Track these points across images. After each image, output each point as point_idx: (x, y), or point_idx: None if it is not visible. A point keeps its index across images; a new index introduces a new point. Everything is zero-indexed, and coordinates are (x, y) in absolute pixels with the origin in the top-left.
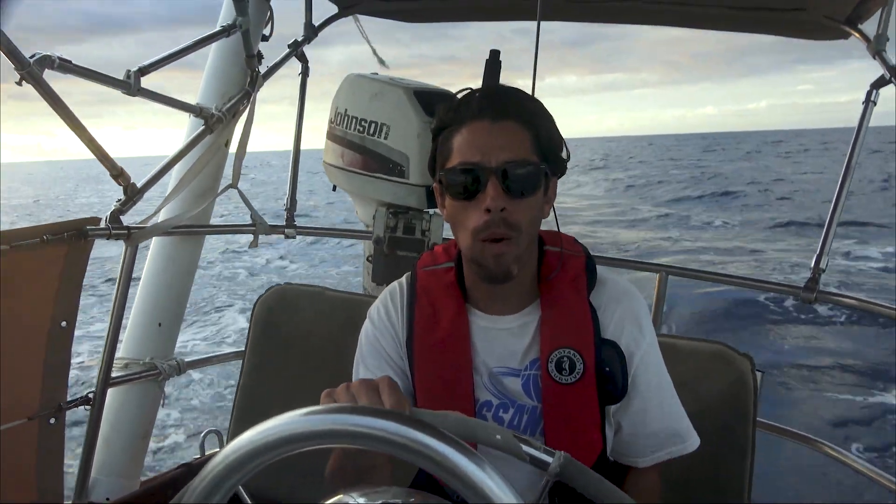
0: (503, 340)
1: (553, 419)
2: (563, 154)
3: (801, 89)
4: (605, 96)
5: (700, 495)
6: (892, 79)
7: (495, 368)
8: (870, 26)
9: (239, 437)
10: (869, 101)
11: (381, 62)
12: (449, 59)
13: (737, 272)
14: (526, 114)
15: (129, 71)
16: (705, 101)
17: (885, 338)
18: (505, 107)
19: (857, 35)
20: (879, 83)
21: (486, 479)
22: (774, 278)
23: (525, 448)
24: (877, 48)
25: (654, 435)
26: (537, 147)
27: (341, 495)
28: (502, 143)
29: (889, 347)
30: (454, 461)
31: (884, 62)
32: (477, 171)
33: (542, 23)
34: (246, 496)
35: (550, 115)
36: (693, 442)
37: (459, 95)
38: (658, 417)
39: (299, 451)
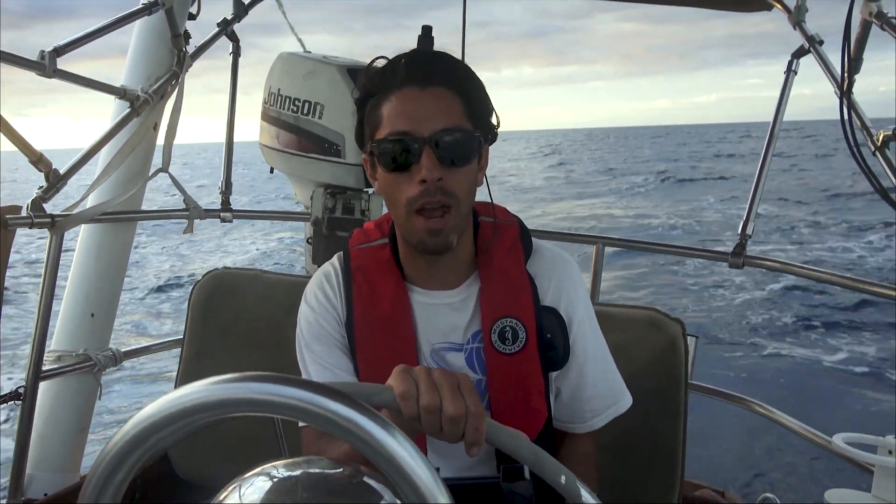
0: (444, 316)
1: (498, 391)
2: (493, 120)
3: (750, 83)
4: (562, 88)
5: (635, 457)
6: (811, 48)
7: (437, 345)
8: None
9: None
10: (790, 71)
11: (303, 46)
12: (403, 49)
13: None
14: (455, 79)
15: (42, 51)
16: (659, 94)
17: (806, 297)
18: (433, 72)
19: (779, 6)
20: (799, 53)
21: (397, 446)
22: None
23: (584, 499)
24: (797, 19)
25: (593, 399)
26: (469, 112)
27: (264, 466)
28: (433, 110)
29: (809, 304)
30: (366, 429)
31: (803, 32)
32: (409, 141)
33: (499, 14)
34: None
35: (480, 81)
36: (626, 401)
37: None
38: (597, 382)
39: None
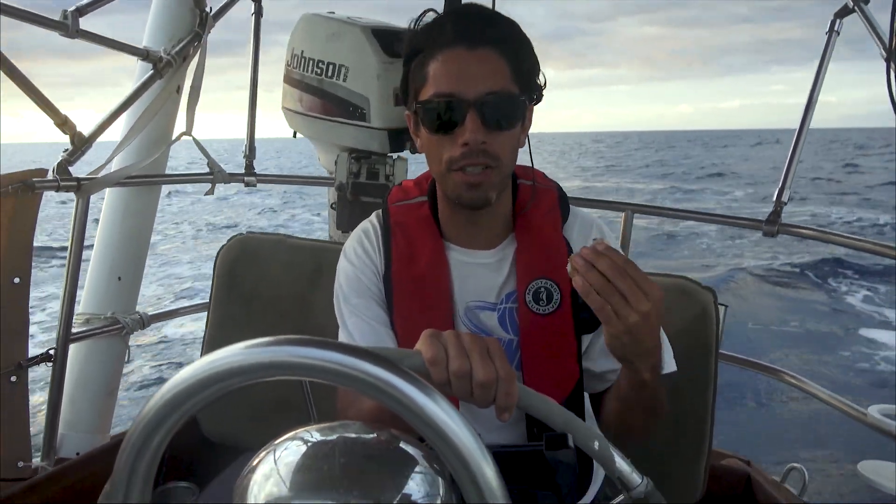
0: (480, 275)
1: (530, 351)
2: (540, 80)
3: (774, 89)
4: (584, 91)
5: (663, 425)
6: (855, 7)
7: (472, 303)
8: None
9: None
10: (833, 32)
11: None
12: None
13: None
14: (503, 40)
15: (65, 11)
16: (681, 99)
17: (840, 268)
18: (482, 32)
19: None
20: (843, 12)
21: (440, 412)
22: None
23: (617, 462)
24: None
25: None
26: (515, 75)
27: (298, 430)
28: (480, 72)
29: (844, 277)
30: (406, 393)
31: None
32: (454, 104)
33: (521, 14)
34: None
35: (527, 39)
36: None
37: (426, 18)
38: None
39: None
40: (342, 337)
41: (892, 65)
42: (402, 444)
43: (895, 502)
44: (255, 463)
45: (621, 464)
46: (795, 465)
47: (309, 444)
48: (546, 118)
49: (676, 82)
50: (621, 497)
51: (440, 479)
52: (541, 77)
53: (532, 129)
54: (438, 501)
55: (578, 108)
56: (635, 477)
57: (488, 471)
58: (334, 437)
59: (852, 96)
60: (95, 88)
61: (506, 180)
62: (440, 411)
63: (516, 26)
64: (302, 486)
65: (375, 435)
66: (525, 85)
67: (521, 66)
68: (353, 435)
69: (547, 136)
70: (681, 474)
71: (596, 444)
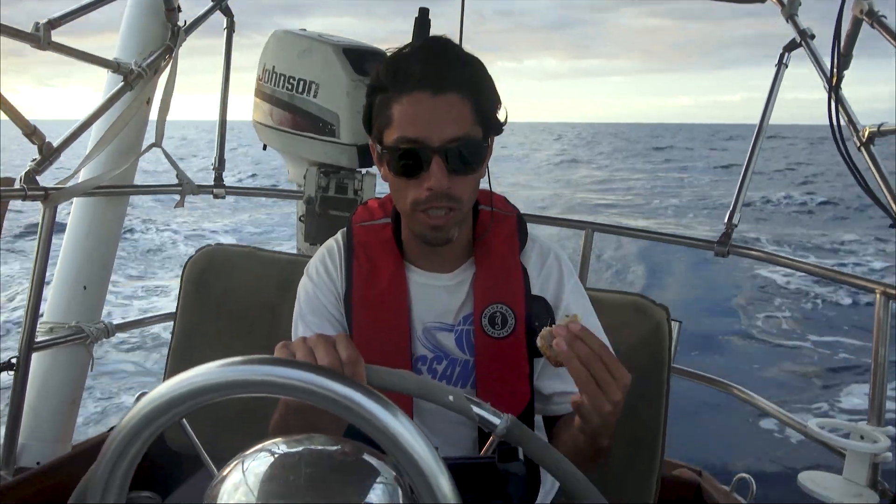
0: (439, 297)
1: (484, 371)
2: (501, 114)
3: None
4: (583, 81)
5: (618, 437)
6: (802, 42)
7: (430, 324)
8: None
9: (174, 377)
10: (781, 64)
11: None
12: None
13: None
14: (467, 83)
15: (37, 23)
16: (681, 91)
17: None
18: (446, 76)
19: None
20: (791, 46)
21: (400, 426)
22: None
23: (475, 409)
24: (790, 12)
25: None
26: (478, 117)
27: (265, 442)
28: (445, 118)
29: (793, 298)
30: (369, 410)
31: (796, 26)
32: (420, 150)
33: (522, 4)
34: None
35: (489, 76)
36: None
37: (396, 53)
38: None
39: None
40: None
41: (833, 97)
42: (364, 456)
43: None
44: (224, 473)
45: (479, 411)
46: (744, 475)
47: (276, 455)
48: (547, 107)
49: (677, 74)
50: (490, 439)
51: (399, 489)
52: (501, 112)
53: (535, 119)
54: None
55: (578, 97)
56: (494, 419)
57: (444, 482)
58: (300, 448)
59: (854, 93)
60: (94, 67)
61: (467, 216)
62: (400, 426)
63: (480, 66)
64: (269, 495)
65: (339, 447)
66: (487, 125)
67: (484, 107)
68: (319, 447)
69: (547, 125)
70: (634, 483)
71: (451, 398)
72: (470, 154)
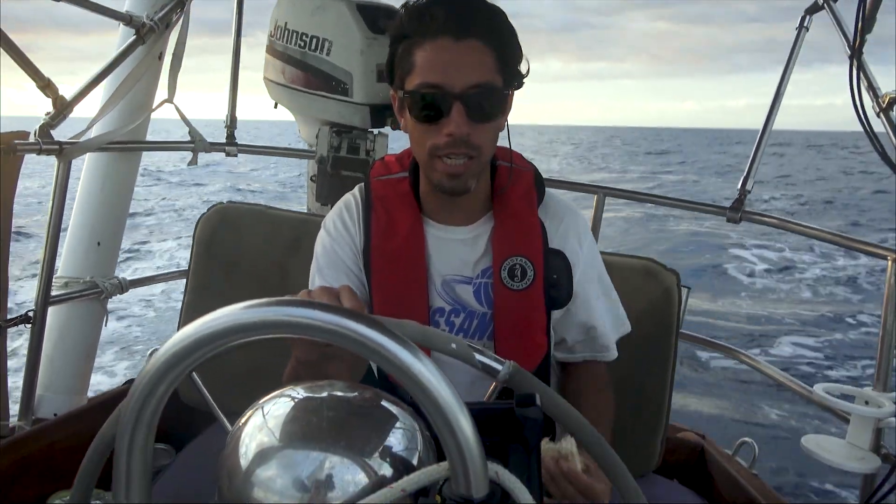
0: (457, 250)
1: (502, 324)
2: (523, 67)
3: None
4: (589, 85)
5: (625, 399)
6: (825, 4)
7: (448, 276)
8: None
9: (190, 324)
10: (802, 27)
11: None
12: None
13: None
14: (490, 30)
15: None
16: (687, 95)
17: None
18: (469, 22)
19: None
20: (813, 9)
21: (425, 371)
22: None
23: (477, 356)
24: None
25: (603, 335)
26: (500, 65)
27: (285, 389)
28: (466, 63)
29: (804, 263)
30: (394, 351)
31: None
32: (441, 95)
33: (529, 6)
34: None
35: (512, 28)
36: (625, 328)
37: (416, 2)
38: (604, 317)
39: (242, 345)
40: None
41: (855, 62)
42: (383, 402)
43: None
44: (245, 418)
45: (481, 358)
46: (746, 439)
47: (297, 399)
48: (553, 111)
49: (683, 79)
50: (493, 384)
51: (418, 434)
52: (523, 64)
53: (540, 122)
54: (417, 453)
55: (583, 100)
56: (496, 365)
57: (465, 423)
58: (322, 394)
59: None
60: (98, 63)
61: (485, 167)
62: (424, 369)
63: (502, 15)
64: (292, 436)
65: (359, 393)
66: (508, 74)
67: (506, 57)
68: (339, 393)
69: (550, 128)
70: (639, 445)
71: (454, 346)
72: (490, 102)
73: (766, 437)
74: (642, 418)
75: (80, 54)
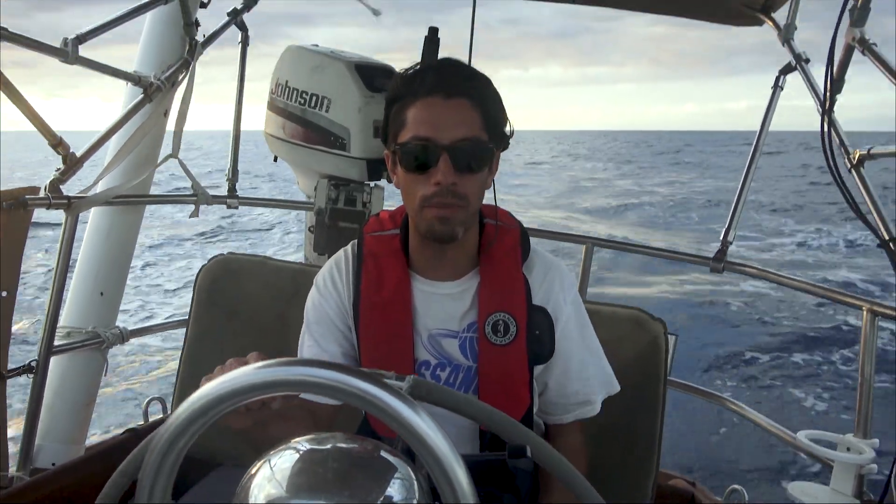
0: (443, 304)
1: (487, 378)
2: (507, 129)
3: (782, 92)
4: (589, 89)
5: (614, 447)
6: (798, 66)
7: (434, 330)
8: (781, 16)
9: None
10: (777, 87)
11: (374, 12)
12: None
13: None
14: (477, 92)
15: (66, 39)
16: (687, 98)
17: (783, 303)
18: (457, 84)
19: (769, 23)
20: (786, 69)
21: (424, 425)
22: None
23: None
24: (786, 36)
25: (578, 392)
26: (486, 124)
27: (290, 442)
28: (454, 120)
29: (786, 312)
30: (396, 409)
31: (791, 50)
32: (430, 147)
33: (528, 13)
34: None
35: (497, 93)
36: (613, 387)
37: (409, 70)
38: (582, 375)
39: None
40: (299, 354)
41: (826, 119)
42: (382, 453)
43: None
44: (253, 470)
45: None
46: (737, 486)
47: (302, 452)
48: (553, 116)
49: (683, 81)
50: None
51: (416, 484)
52: (507, 127)
53: (540, 128)
54: (415, 502)
55: (583, 105)
56: (398, 383)
57: (461, 475)
58: (326, 446)
59: (859, 99)
60: (101, 78)
61: (472, 218)
62: (422, 423)
63: (488, 81)
64: (299, 488)
65: (359, 445)
66: (494, 134)
67: (491, 117)
68: (343, 445)
69: (560, 133)
70: (629, 493)
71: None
72: (476, 154)
73: (755, 482)
74: (632, 465)
75: (81, 69)
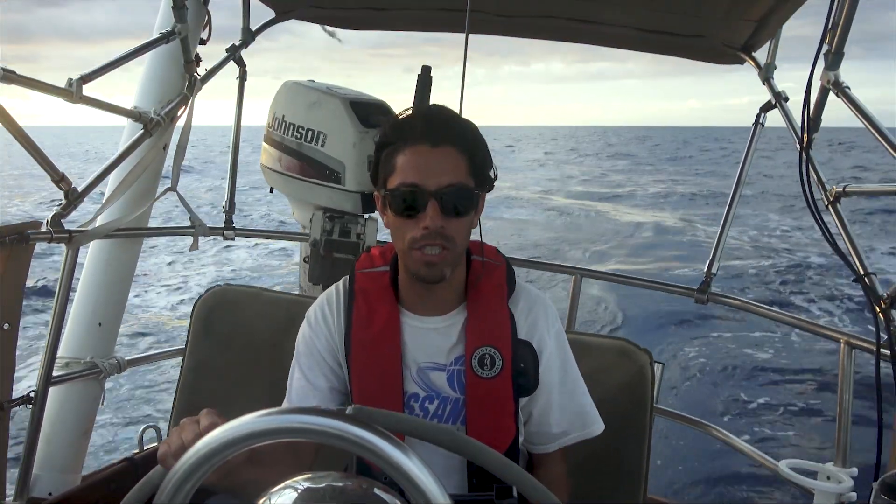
0: (432, 338)
1: (474, 409)
2: (492, 173)
3: (783, 87)
4: (591, 85)
5: (603, 475)
6: (777, 104)
7: (423, 363)
8: (761, 55)
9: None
10: (758, 124)
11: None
12: (434, 41)
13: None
14: (463, 140)
15: (70, 79)
16: (690, 94)
17: (766, 335)
18: (445, 132)
19: (750, 62)
20: (767, 107)
21: (414, 468)
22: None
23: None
24: (766, 75)
25: (560, 422)
26: (471, 169)
27: (288, 481)
28: (442, 167)
29: (768, 343)
30: (388, 452)
31: (771, 88)
32: (418, 193)
33: None
34: None
35: (483, 139)
36: (597, 427)
37: (402, 115)
38: (564, 406)
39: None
40: (288, 386)
41: (804, 157)
42: (375, 490)
43: None
44: None
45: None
46: None
47: (300, 491)
48: (554, 111)
49: (685, 77)
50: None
51: None
52: (492, 171)
53: (543, 123)
54: None
55: (585, 101)
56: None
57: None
58: (322, 484)
59: (863, 94)
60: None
61: (459, 258)
62: (413, 466)
63: (474, 128)
64: None
65: (353, 483)
66: (479, 178)
67: (477, 162)
68: (338, 484)
69: (562, 129)
70: None
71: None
72: (462, 199)
73: None
74: (621, 492)
75: (85, 63)
